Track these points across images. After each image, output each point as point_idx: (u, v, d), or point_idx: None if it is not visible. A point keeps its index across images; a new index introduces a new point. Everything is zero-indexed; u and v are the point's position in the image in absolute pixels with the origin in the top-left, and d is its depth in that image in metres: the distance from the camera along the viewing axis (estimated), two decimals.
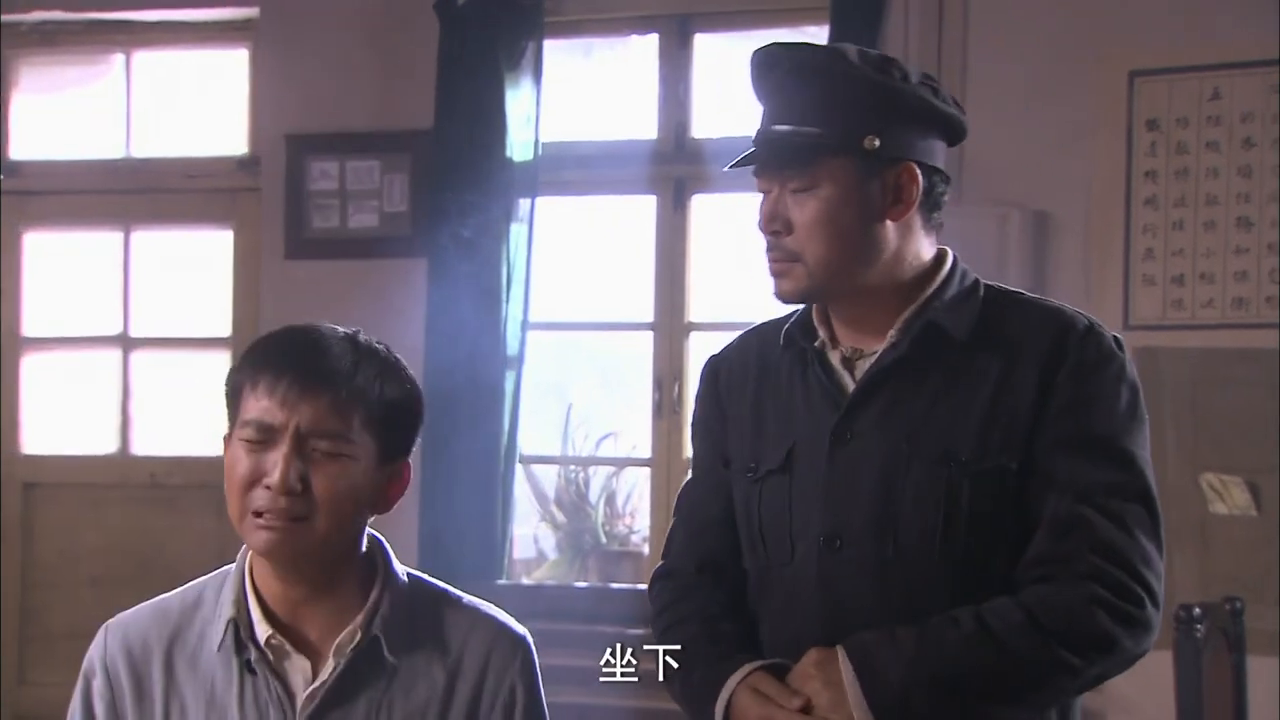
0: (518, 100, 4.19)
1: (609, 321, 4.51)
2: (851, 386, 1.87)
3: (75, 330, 4.73)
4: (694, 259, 4.27)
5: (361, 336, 1.85)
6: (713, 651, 1.88)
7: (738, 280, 4.31)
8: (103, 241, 4.70)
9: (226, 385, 1.83)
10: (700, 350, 4.25)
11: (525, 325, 4.22)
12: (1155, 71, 3.76)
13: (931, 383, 1.83)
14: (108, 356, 4.67)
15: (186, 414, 4.56)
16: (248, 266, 4.53)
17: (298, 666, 1.85)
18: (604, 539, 4.45)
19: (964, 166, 3.89)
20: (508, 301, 4.19)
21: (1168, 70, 3.74)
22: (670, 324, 4.27)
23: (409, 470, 1.90)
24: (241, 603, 1.86)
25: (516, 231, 4.19)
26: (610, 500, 4.49)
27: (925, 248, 1.90)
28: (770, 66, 1.87)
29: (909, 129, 1.84)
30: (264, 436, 1.77)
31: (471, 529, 4.13)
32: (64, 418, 4.74)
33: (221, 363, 4.43)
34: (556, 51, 4.32)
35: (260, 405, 1.77)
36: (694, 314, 4.27)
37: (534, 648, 1.93)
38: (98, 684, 1.89)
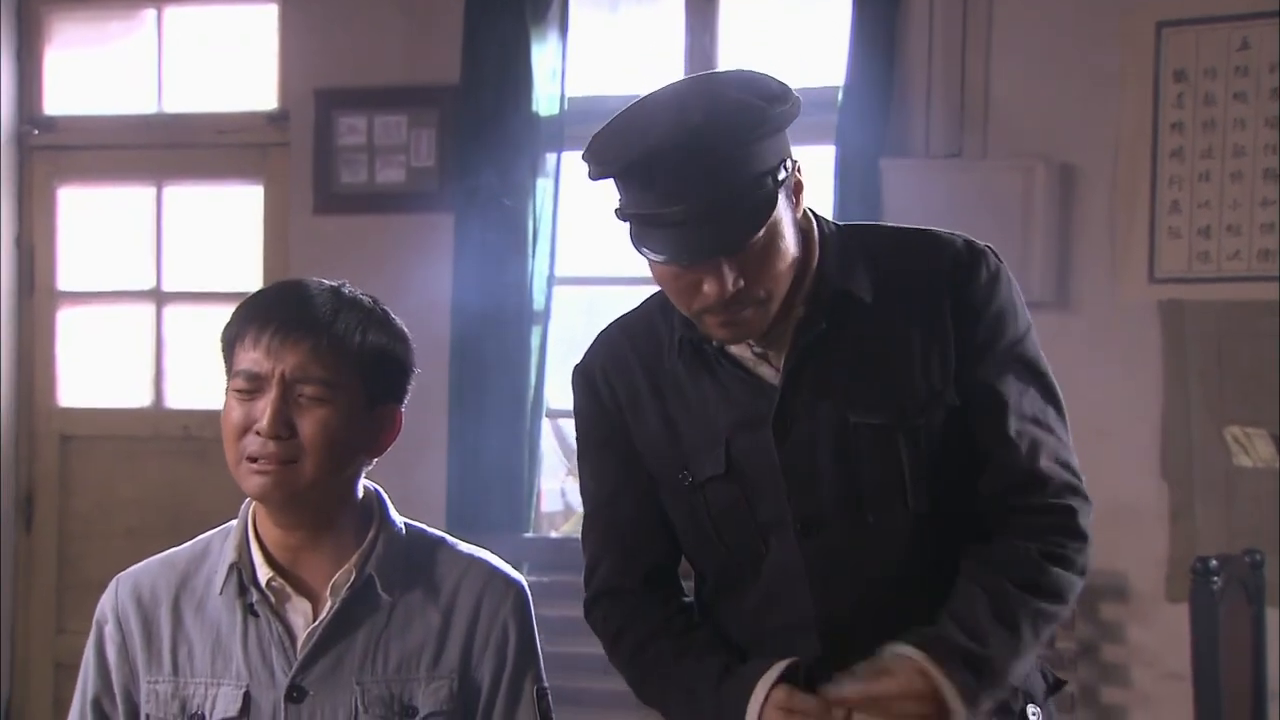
0: (544, 55, 4.19)
1: (635, 276, 4.50)
2: (770, 374, 1.84)
3: (110, 285, 4.78)
4: None
5: (346, 289, 1.92)
6: (700, 668, 1.87)
7: None
8: (136, 196, 4.75)
9: (221, 341, 1.90)
10: None
11: (551, 280, 4.23)
12: (1183, 22, 3.72)
13: (853, 347, 1.82)
14: (142, 310, 4.72)
15: (218, 367, 4.60)
16: (277, 221, 4.56)
17: (298, 608, 1.92)
18: None
19: (989, 120, 3.88)
20: (534, 256, 4.20)
21: (1195, 20, 3.71)
22: None
23: (400, 417, 1.96)
24: (244, 549, 1.93)
25: (543, 186, 4.20)
26: None
27: (807, 229, 1.85)
28: (657, 164, 1.68)
29: (783, 135, 1.77)
30: (253, 385, 1.84)
31: (498, 482, 4.16)
32: (99, 371, 4.81)
33: None
34: (582, 6, 4.32)
35: (249, 356, 1.84)
36: None
37: (529, 593, 2.00)
38: (109, 630, 1.96)
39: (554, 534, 4.48)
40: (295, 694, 1.89)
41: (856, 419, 1.81)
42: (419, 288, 4.19)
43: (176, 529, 4.54)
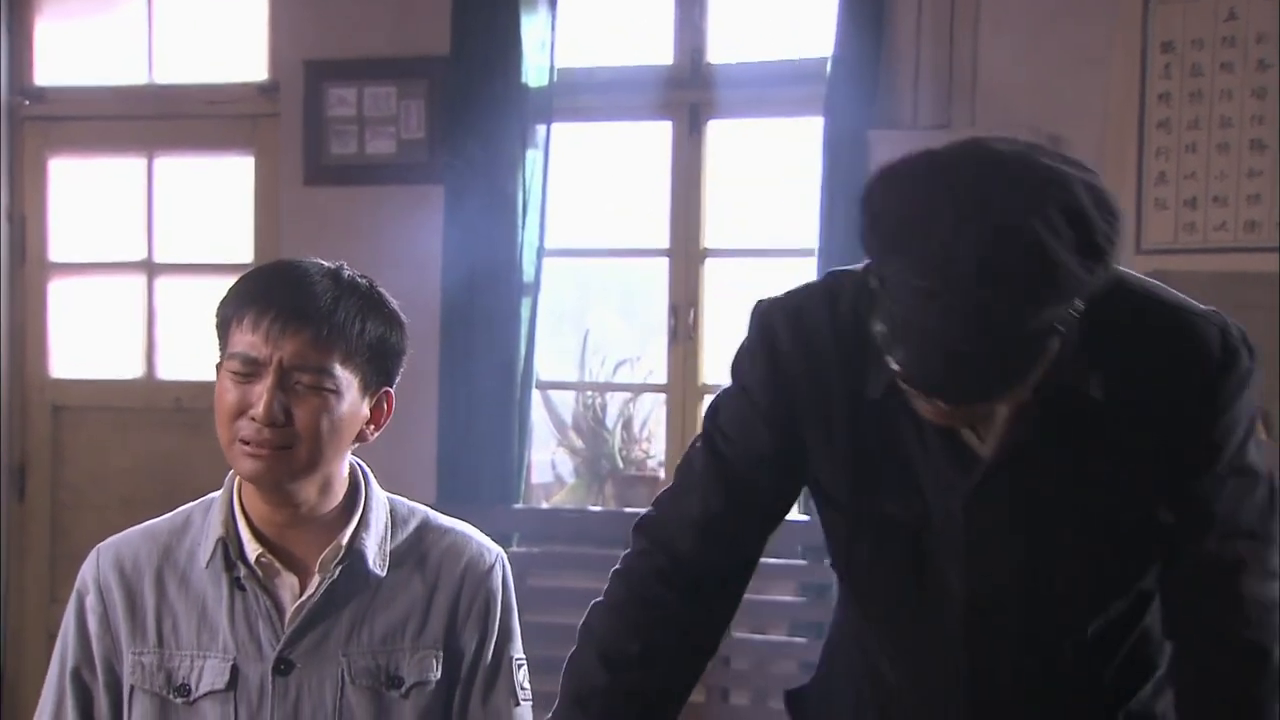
0: (533, 26, 4.19)
1: (625, 248, 4.53)
2: (976, 443, 1.64)
3: (101, 256, 4.79)
4: (709, 185, 4.28)
5: (345, 272, 1.92)
6: None
7: (753, 206, 4.33)
8: (127, 167, 4.75)
9: (216, 317, 1.90)
10: (715, 276, 4.27)
11: (541, 251, 4.23)
12: None
13: (1073, 445, 1.63)
14: (133, 282, 4.73)
15: (210, 339, 4.61)
16: (268, 192, 4.57)
17: (286, 583, 1.94)
18: (621, 464, 4.50)
19: (976, 90, 3.89)
20: (523, 228, 4.20)
21: None
22: (686, 250, 4.28)
23: (392, 399, 1.98)
24: (230, 523, 1.94)
25: (532, 158, 4.20)
26: (627, 425, 4.53)
27: None
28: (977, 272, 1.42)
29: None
30: (249, 369, 1.84)
31: (489, 454, 4.18)
32: (91, 342, 4.82)
33: None
34: None
35: (246, 339, 1.84)
36: (709, 240, 4.28)
37: (508, 564, 2.04)
38: (90, 600, 1.96)
39: (544, 505, 4.51)
40: (283, 667, 1.90)
41: (1059, 524, 1.64)
42: (409, 259, 4.20)
43: (170, 499, 4.53)
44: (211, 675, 1.91)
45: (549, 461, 4.59)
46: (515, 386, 4.20)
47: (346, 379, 1.88)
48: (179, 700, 1.92)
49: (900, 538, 1.70)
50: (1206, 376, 1.61)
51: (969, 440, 1.64)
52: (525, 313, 4.22)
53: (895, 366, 1.49)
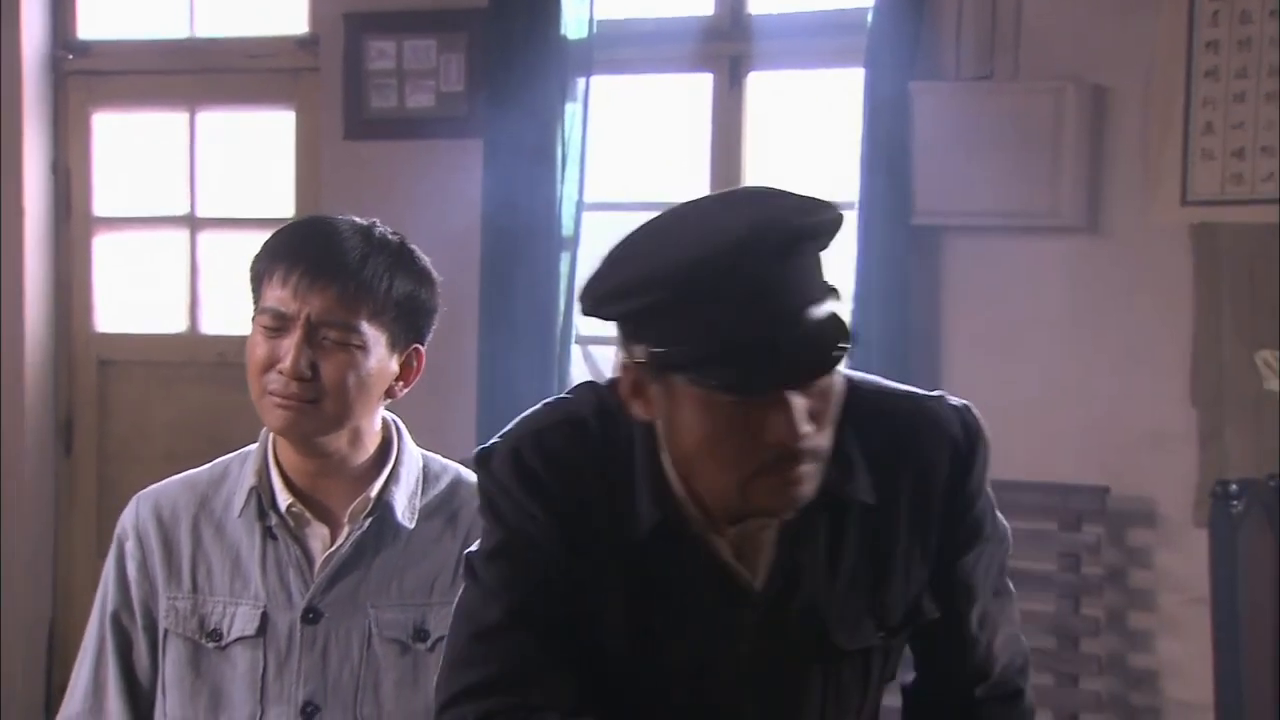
0: None
1: (664, 201, 4.48)
2: (748, 579, 1.56)
3: (144, 210, 4.81)
4: (750, 137, 4.24)
5: (376, 229, 1.93)
6: None
7: (794, 159, 4.30)
8: (169, 122, 4.77)
9: (249, 272, 1.93)
10: None
11: (581, 205, 4.21)
12: None
13: (843, 558, 1.58)
14: (176, 236, 4.75)
15: (247, 298, 4.63)
16: (309, 147, 4.57)
17: (316, 533, 1.97)
18: None
19: (1020, 40, 3.84)
20: (563, 181, 4.18)
21: None
22: None
23: (422, 357, 1.99)
24: (264, 473, 1.97)
25: (572, 111, 4.18)
26: None
27: None
28: (810, 244, 1.44)
29: None
30: (279, 324, 1.86)
31: (528, 408, 4.18)
32: (135, 297, 4.85)
33: None
34: None
35: (275, 294, 1.87)
36: None
37: None
38: (130, 546, 2.00)
39: None
40: (311, 616, 1.93)
41: (839, 642, 1.59)
42: (448, 213, 4.20)
43: (213, 453, 4.55)
44: (242, 622, 1.94)
45: None
46: (555, 341, 4.20)
47: (374, 335, 1.89)
48: (211, 645, 1.95)
49: (683, 686, 1.58)
50: (959, 457, 1.61)
51: (739, 574, 1.56)
52: (565, 267, 4.21)
53: (727, 390, 1.41)
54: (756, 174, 4.25)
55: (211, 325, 4.73)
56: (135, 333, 4.81)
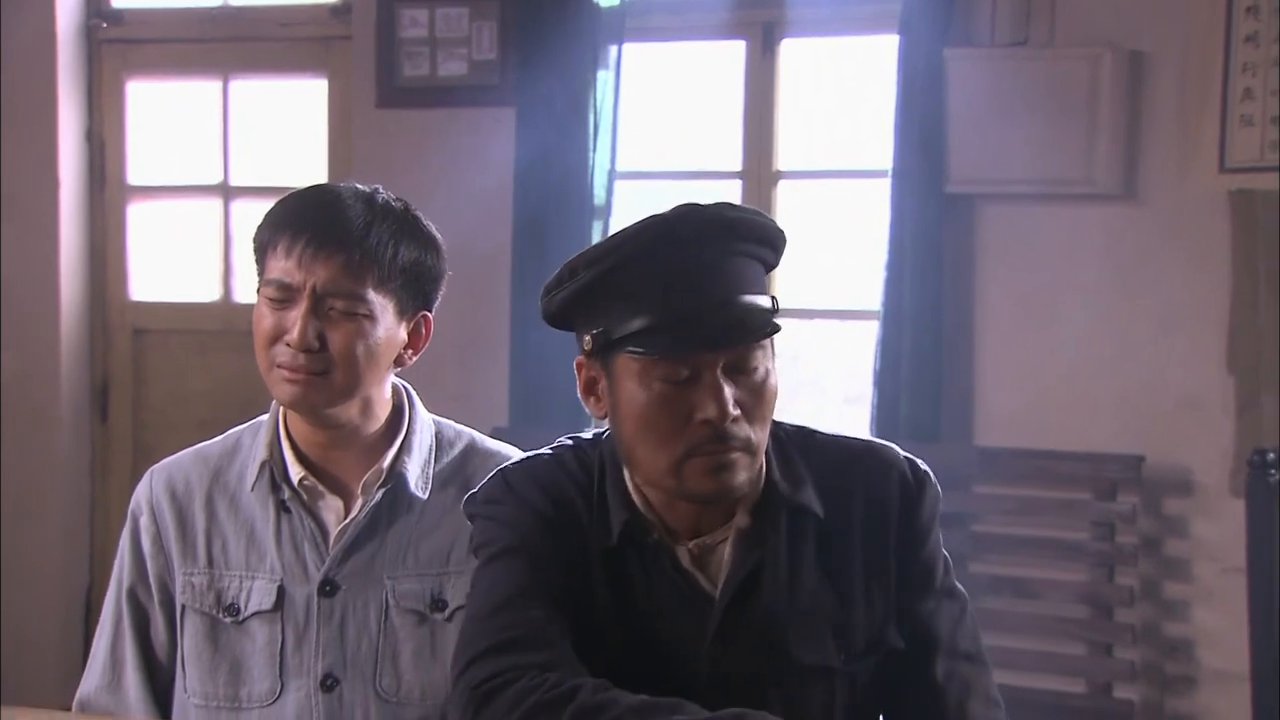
0: None
1: (697, 170, 4.49)
2: (707, 585, 1.65)
3: (178, 179, 4.82)
4: (783, 105, 4.22)
5: (380, 196, 1.90)
6: None
7: (828, 127, 4.27)
8: (202, 90, 4.77)
9: (253, 242, 1.91)
10: (789, 198, 4.23)
11: (613, 174, 4.20)
12: None
13: (800, 570, 1.66)
14: (209, 205, 4.76)
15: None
16: (341, 115, 4.57)
17: (330, 505, 1.95)
18: None
19: (1056, 6, 3.80)
20: (595, 150, 4.17)
21: None
22: (759, 171, 4.24)
23: (430, 323, 1.97)
24: (275, 446, 1.95)
25: (604, 79, 4.17)
26: None
27: None
28: (730, 233, 1.60)
29: None
30: (284, 295, 1.85)
31: (561, 382, 4.13)
32: (169, 265, 4.87)
33: None
34: None
35: (280, 265, 1.85)
36: (783, 162, 4.23)
37: None
38: (144, 521, 2.00)
39: None
40: (328, 588, 1.92)
41: (800, 657, 1.64)
42: (480, 182, 4.20)
43: (248, 421, 4.67)
44: (259, 596, 1.93)
45: None
46: None
47: (381, 304, 1.87)
48: (228, 620, 1.94)
49: (656, 691, 1.59)
50: (906, 494, 1.70)
51: (700, 584, 1.65)
52: (597, 236, 4.19)
53: (666, 352, 1.56)
54: (789, 142, 4.22)
55: (245, 294, 4.74)
56: (169, 301, 4.83)
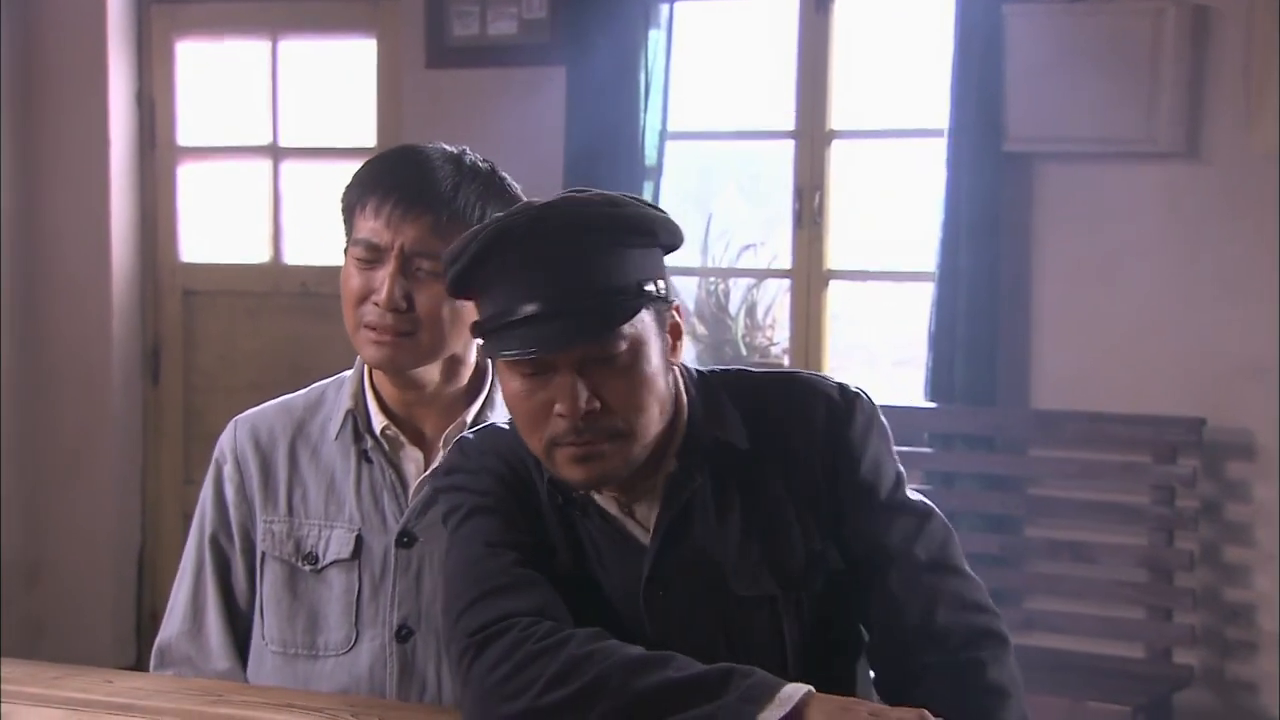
0: None
1: (749, 130, 4.45)
2: (640, 533, 1.67)
3: (228, 140, 4.82)
4: (837, 63, 4.16)
5: (467, 156, 1.90)
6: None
7: (882, 85, 4.22)
8: (251, 50, 4.76)
9: (341, 203, 1.91)
10: (843, 159, 4.18)
11: (664, 135, 4.17)
12: None
13: (729, 504, 1.67)
14: (259, 166, 4.76)
15: (336, 224, 4.64)
16: (390, 75, 4.55)
17: (411, 456, 1.96)
18: (744, 350, 4.46)
19: None
20: (646, 110, 4.14)
21: None
22: (812, 131, 4.18)
23: None
24: (359, 397, 1.97)
25: (655, 38, 4.13)
26: (750, 311, 4.49)
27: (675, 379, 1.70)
28: (534, 232, 1.58)
29: (660, 264, 1.63)
30: (372, 255, 1.85)
31: None
32: (219, 227, 4.87)
33: None
34: None
35: (368, 225, 1.85)
36: (836, 121, 4.17)
37: None
38: (228, 470, 2.00)
39: None
40: (405, 539, 1.92)
41: (737, 589, 1.65)
42: (531, 142, 4.17)
43: (297, 383, 4.58)
44: (338, 545, 1.94)
45: None
46: None
47: None
48: (307, 568, 1.95)
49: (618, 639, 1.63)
50: (833, 414, 1.69)
51: (633, 532, 1.68)
52: (648, 196, 4.15)
53: (506, 353, 1.58)
54: (843, 100, 4.17)
55: (295, 255, 4.74)
56: (219, 263, 4.83)
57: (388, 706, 1.81)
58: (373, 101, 4.61)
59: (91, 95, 4.67)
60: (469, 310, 1.83)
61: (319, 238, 4.64)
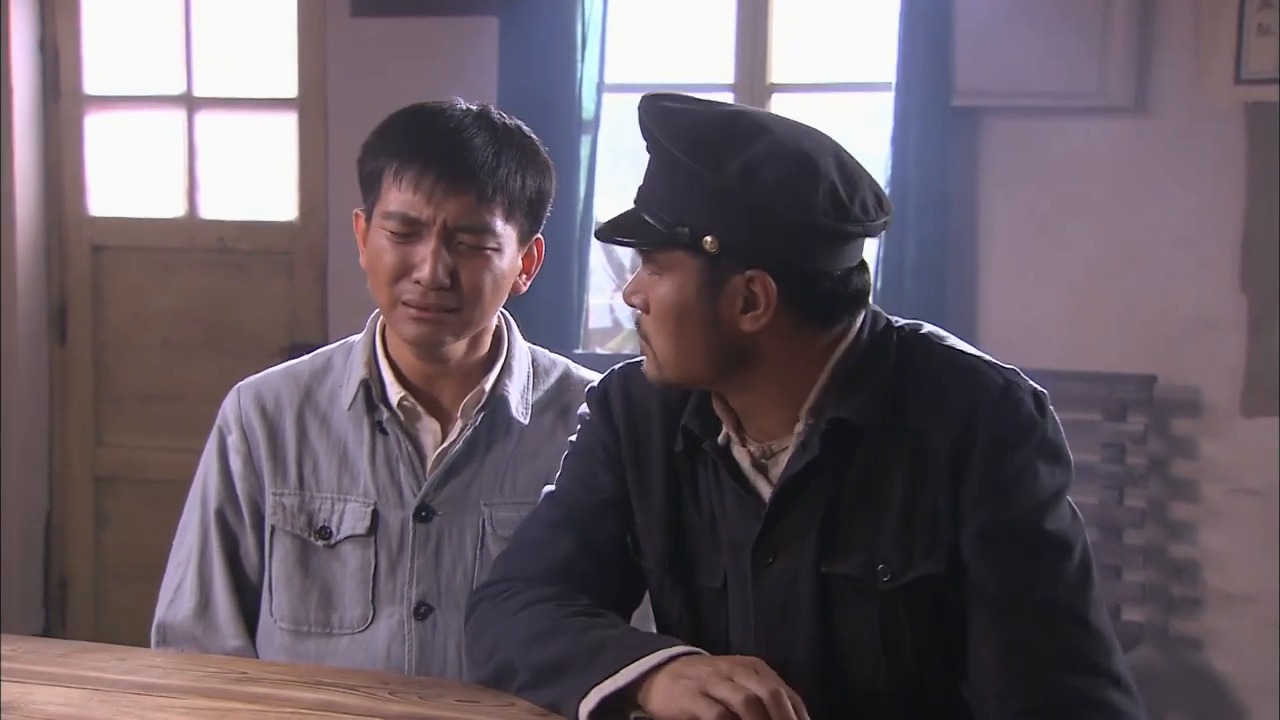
0: None
1: (688, 83, 4.33)
2: (766, 490, 1.64)
3: (138, 89, 4.61)
4: (778, 13, 4.08)
5: (496, 118, 1.85)
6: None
7: (826, 38, 4.15)
8: None
9: (362, 167, 1.84)
10: (784, 112, 4.08)
11: (601, 87, 4.08)
12: None
13: (843, 481, 1.60)
14: (172, 116, 4.56)
15: (254, 177, 4.48)
16: (313, 22, 4.37)
17: (428, 428, 1.91)
18: None
19: None
20: (583, 61, 4.04)
21: None
22: (751, 84, 4.11)
23: (542, 245, 1.93)
24: (373, 366, 1.90)
25: None
26: None
27: (818, 341, 1.62)
28: (648, 131, 1.66)
29: (760, 235, 1.56)
30: (409, 229, 1.79)
31: (547, 298, 4.04)
32: (130, 180, 4.66)
33: (288, 124, 4.32)
34: None
35: (404, 198, 1.78)
36: (776, 74, 4.10)
37: None
38: (233, 440, 1.93)
39: (601, 350, 4.40)
40: (423, 514, 1.87)
41: (826, 566, 1.60)
42: (462, 95, 4.02)
43: (214, 342, 4.49)
44: (352, 519, 1.88)
45: (606, 306, 4.48)
46: (575, 228, 4.07)
47: (508, 234, 1.83)
48: (320, 543, 1.89)
49: (711, 606, 1.68)
50: (982, 411, 1.55)
51: (760, 489, 1.65)
52: (585, 151, 4.08)
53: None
54: (784, 53, 4.09)
55: (211, 209, 4.54)
56: (130, 216, 4.63)
57: (425, 684, 1.72)
58: (293, 50, 4.43)
59: None
60: (506, 279, 1.84)
61: (237, 191, 4.47)
